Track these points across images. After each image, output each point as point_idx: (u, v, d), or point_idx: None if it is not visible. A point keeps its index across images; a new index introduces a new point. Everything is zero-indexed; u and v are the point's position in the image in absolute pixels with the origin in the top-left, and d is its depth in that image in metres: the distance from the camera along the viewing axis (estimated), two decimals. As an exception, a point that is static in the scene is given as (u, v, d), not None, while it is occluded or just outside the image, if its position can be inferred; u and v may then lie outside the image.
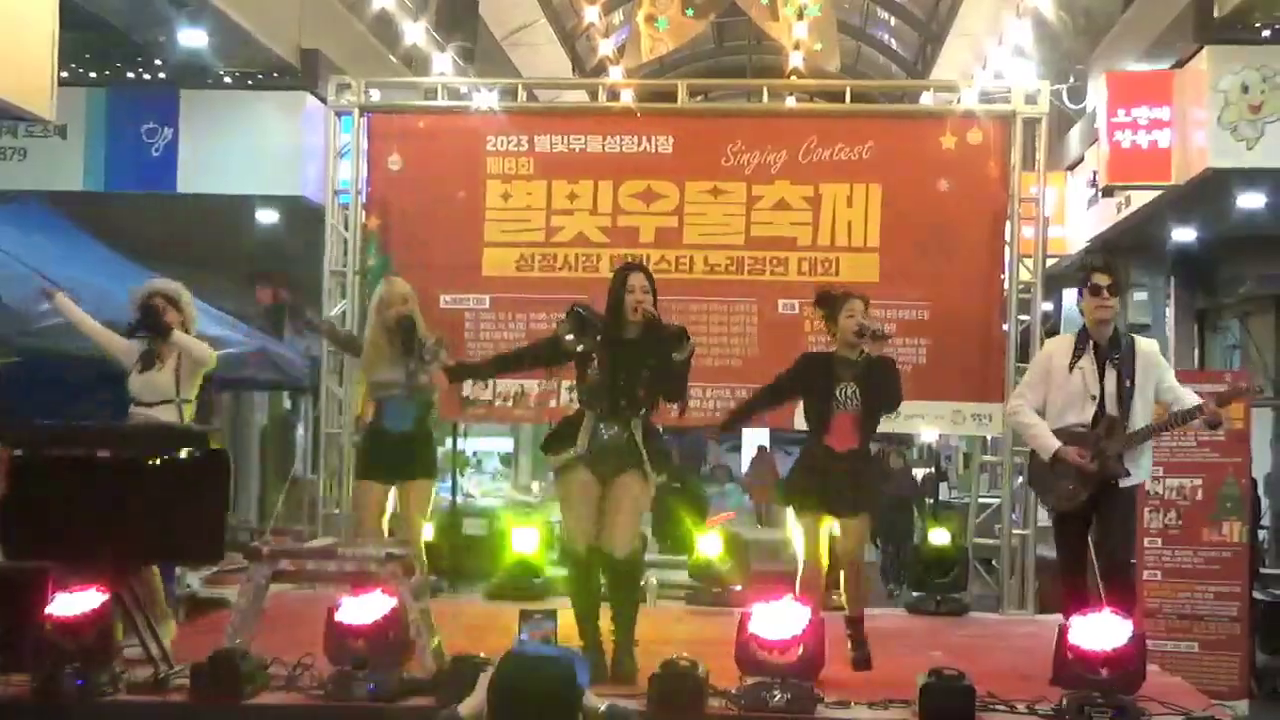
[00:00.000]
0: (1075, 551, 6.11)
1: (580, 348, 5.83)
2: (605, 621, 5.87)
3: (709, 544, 8.61)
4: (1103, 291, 5.91)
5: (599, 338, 5.82)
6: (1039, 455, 6.09)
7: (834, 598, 6.44)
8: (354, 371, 8.90)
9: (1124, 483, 5.94)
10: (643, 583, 6.56)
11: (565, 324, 5.86)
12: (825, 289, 6.42)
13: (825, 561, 6.19)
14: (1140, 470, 6.04)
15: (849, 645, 6.19)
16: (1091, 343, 5.96)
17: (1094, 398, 5.91)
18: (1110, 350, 5.94)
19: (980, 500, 9.29)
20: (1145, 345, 6.10)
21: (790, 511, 6.43)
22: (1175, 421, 5.99)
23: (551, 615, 5.72)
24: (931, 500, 16.65)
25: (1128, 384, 5.88)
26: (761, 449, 24.14)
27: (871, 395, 6.11)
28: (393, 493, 6.71)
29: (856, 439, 6.13)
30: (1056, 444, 5.92)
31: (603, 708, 3.60)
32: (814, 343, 6.74)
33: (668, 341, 5.76)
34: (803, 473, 6.32)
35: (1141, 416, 5.94)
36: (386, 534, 6.68)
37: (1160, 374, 6.02)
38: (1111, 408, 5.88)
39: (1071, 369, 5.96)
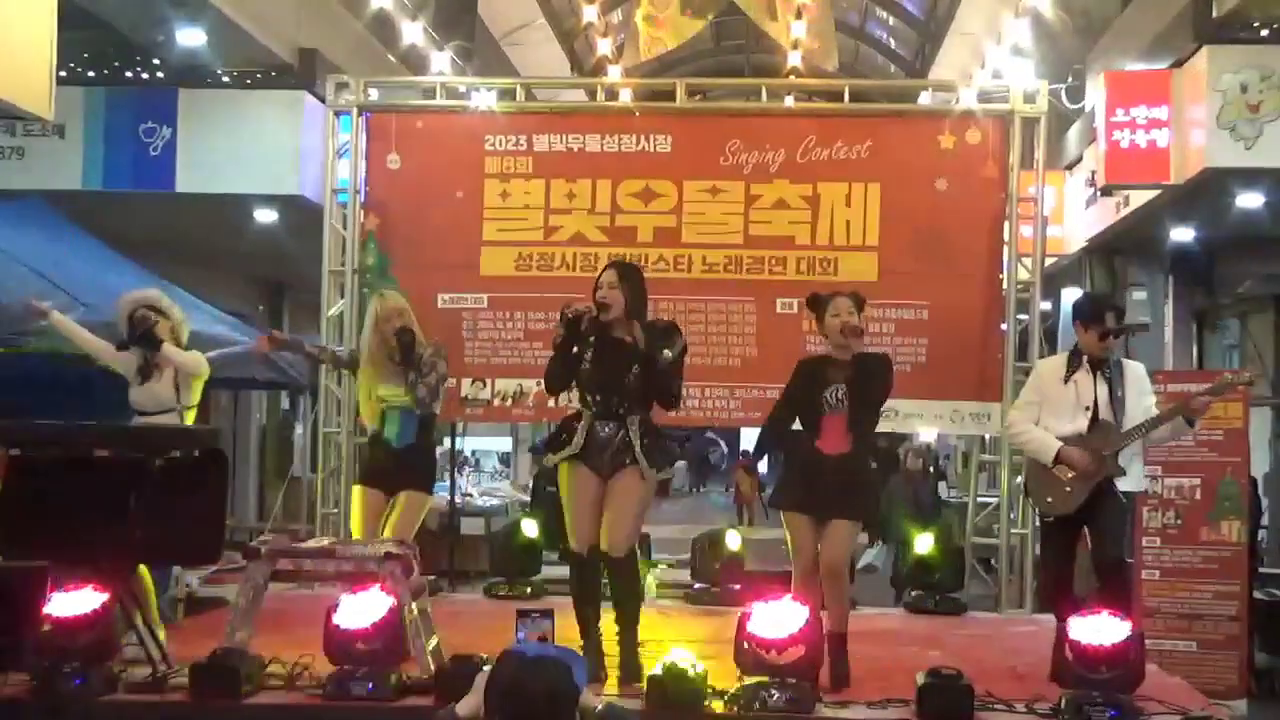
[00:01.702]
0: (1063, 556, 6.20)
1: (575, 349, 5.78)
2: (604, 622, 5.86)
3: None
4: (1110, 336, 6.10)
5: (591, 338, 5.77)
6: (1039, 460, 6.13)
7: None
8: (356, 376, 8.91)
9: (1118, 486, 6.00)
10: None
11: (558, 325, 5.78)
12: (815, 292, 6.17)
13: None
14: (1133, 476, 6.10)
15: (827, 662, 5.63)
16: (1085, 358, 6.12)
17: (1088, 408, 6.03)
18: (1102, 365, 6.11)
19: (979, 499, 9.29)
20: (1134, 366, 6.29)
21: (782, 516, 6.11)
22: (1165, 416, 6.06)
23: (549, 615, 5.71)
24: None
25: (1119, 393, 6.05)
26: (745, 454, 24.31)
27: (860, 394, 5.82)
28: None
29: (848, 442, 5.80)
30: (1058, 444, 6.00)
31: (600, 707, 3.60)
32: (813, 342, 6.69)
33: (657, 338, 5.71)
34: (791, 476, 6.12)
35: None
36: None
37: (1146, 395, 6.18)
38: (1105, 415, 6.02)
39: (1066, 382, 6.11)
